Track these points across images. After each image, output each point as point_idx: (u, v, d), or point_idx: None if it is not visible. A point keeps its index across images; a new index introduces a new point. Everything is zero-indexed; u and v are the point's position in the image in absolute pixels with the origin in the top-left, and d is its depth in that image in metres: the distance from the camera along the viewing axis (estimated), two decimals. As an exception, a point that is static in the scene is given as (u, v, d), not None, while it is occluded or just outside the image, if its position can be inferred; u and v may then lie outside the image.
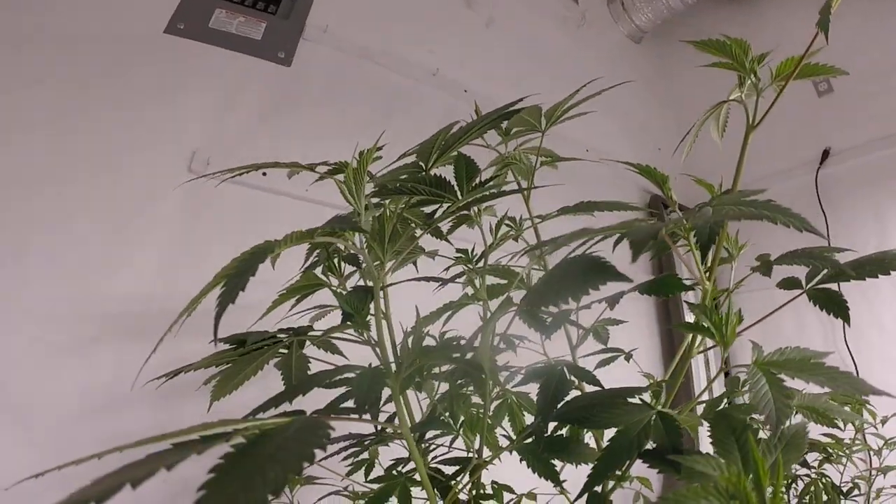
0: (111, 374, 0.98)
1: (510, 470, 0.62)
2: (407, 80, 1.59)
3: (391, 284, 0.57)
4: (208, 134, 1.22)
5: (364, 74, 1.52)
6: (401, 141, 1.46)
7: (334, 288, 0.61)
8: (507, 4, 1.91)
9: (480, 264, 0.65)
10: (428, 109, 1.60)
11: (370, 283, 0.53)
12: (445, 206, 0.55)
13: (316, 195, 1.29)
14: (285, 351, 0.59)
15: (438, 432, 0.59)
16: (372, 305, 0.51)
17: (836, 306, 0.48)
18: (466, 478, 0.55)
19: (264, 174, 1.26)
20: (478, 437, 0.58)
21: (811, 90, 1.88)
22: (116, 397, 0.98)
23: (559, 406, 0.50)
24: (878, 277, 0.46)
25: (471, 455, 0.59)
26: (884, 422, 1.04)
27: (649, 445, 0.43)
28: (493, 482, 0.67)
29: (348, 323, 0.50)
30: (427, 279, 0.65)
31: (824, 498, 0.85)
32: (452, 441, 0.63)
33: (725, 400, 0.61)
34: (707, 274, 0.48)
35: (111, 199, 1.08)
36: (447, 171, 0.58)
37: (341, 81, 1.47)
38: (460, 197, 0.56)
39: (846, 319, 0.47)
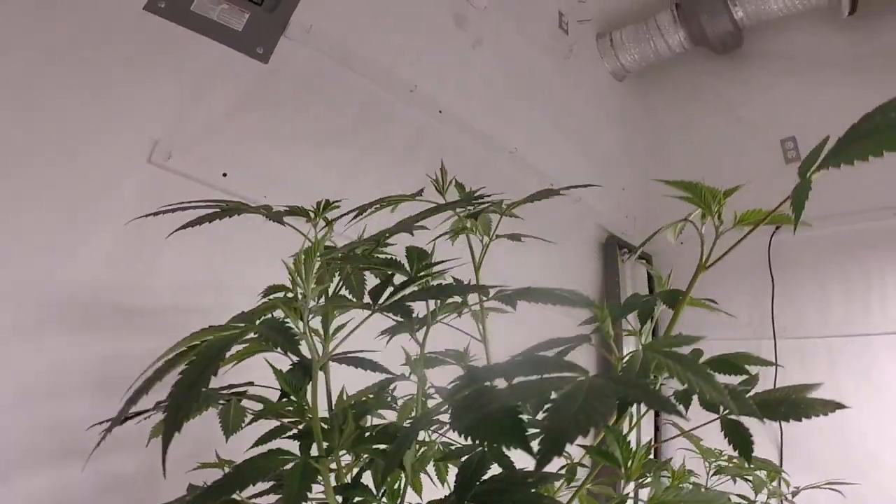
0: (52, 361, 0.96)
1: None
2: (384, 92, 1.57)
3: (335, 356, 0.57)
4: (172, 124, 1.17)
5: (341, 81, 1.49)
6: (369, 156, 1.47)
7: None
8: (496, 28, 1.90)
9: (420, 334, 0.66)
10: (400, 126, 1.60)
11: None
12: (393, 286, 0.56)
13: (273, 200, 1.26)
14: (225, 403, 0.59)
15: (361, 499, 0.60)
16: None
17: (742, 441, 0.51)
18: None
19: (224, 175, 1.22)
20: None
21: (779, 153, 1.97)
22: (56, 386, 0.95)
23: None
24: (788, 421, 0.50)
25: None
26: (795, 493, 1.12)
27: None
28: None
29: (285, 401, 0.50)
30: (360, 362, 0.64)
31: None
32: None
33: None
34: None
35: (65, 183, 1.02)
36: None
37: (316, 86, 1.44)
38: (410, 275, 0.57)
39: (748, 457, 0.50)
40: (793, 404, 0.51)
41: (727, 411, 0.55)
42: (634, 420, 0.67)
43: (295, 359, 0.54)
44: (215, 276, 1.19)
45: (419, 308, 0.70)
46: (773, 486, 1.08)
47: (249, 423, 0.60)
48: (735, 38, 2.05)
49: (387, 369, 0.64)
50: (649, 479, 0.67)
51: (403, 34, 1.65)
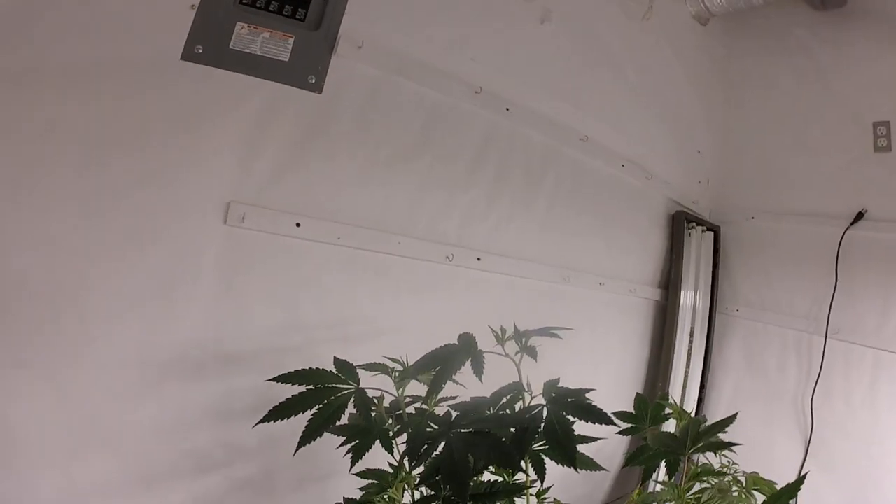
0: (177, 405, 1.14)
1: None
2: (447, 97, 1.47)
3: None
4: (238, 180, 1.17)
5: (399, 95, 1.40)
6: (438, 169, 1.43)
7: None
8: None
9: None
10: (467, 132, 1.52)
11: None
12: None
13: (349, 241, 1.31)
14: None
15: None
16: None
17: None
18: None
19: (298, 224, 1.25)
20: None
21: (869, 137, 1.77)
22: (183, 425, 1.15)
23: None
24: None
25: None
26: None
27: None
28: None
29: None
30: None
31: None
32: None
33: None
34: None
35: (156, 263, 1.09)
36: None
37: (374, 105, 1.36)
38: None
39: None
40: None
41: None
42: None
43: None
44: (296, 317, 1.28)
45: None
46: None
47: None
48: (839, -8, 1.74)
49: None
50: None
51: (457, 20, 1.49)
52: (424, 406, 0.90)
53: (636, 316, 1.95)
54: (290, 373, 0.85)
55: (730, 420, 0.84)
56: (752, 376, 1.98)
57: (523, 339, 0.85)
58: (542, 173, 1.65)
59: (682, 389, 1.96)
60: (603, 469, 0.79)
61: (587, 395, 0.77)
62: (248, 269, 1.20)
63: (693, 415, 1.94)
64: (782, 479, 1.72)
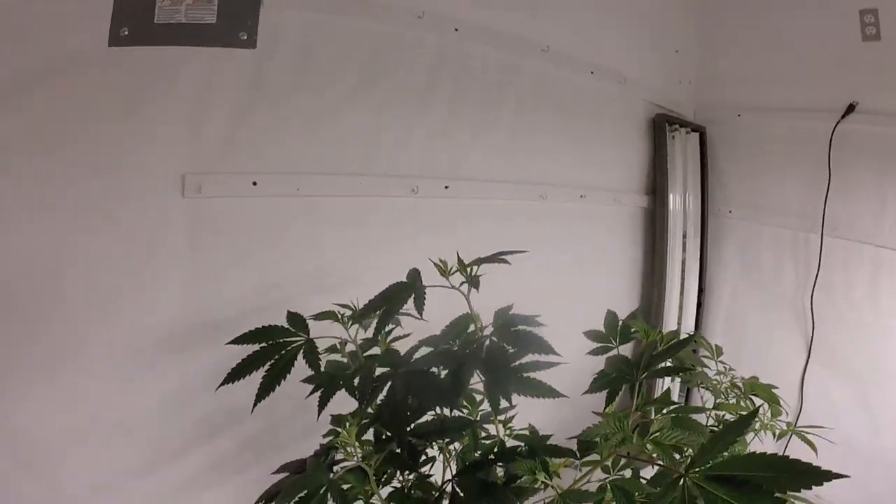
0: (178, 380, 1.20)
1: None
2: (388, 27, 1.39)
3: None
4: (189, 152, 1.15)
5: (337, 34, 1.32)
6: (389, 105, 1.38)
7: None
8: None
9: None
10: (415, 59, 1.45)
11: None
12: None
13: (308, 190, 1.29)
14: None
15: None
16: None
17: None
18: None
19: (255, 183, 1.23)
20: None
21: (856, 26, 1.63)
22: (186, 398, 1.21)
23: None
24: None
25: None
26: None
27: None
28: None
29: None
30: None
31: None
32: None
33: None
34: None
35: (124, 245, 1.10)
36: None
37: (312, 50, 1.29)
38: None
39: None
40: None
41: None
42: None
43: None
44: (269, 274, 1.29)
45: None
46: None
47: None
48: None
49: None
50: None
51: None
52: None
53: (624, 225, 1.92)
54: (243, 334, 0.88)
55: (686, 342, 0.82)
56: (749, 278, 1.96)
57: (469, 270, 0.83)
58: (501, 90, 1.58)
59: (680, 296, 1.95)
60: (562, 396, 0.77)
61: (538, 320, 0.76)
62: (214, 237, 1.20)
63: (694, 321, 1.96)
64: (785, 381, 1.76)
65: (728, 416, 1.24)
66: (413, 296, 0.81)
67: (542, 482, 0.74)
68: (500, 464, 0.78)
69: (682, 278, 1.94)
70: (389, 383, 0.74)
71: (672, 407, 0.79)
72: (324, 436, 0.92)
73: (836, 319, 1.73)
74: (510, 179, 1.59)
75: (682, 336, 1.79)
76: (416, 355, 0.81)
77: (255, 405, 0.82)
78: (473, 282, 0.82)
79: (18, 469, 1.09)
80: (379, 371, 0.80)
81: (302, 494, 0.73)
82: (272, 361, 0.83)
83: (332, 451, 0.82)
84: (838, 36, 1.70)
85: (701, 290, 1.99)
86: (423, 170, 1.44)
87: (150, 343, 1.16)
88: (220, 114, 1.19)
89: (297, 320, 0.89)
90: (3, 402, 1.04)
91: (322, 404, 0.87)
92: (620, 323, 1.00)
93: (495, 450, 0.81)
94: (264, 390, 0.82)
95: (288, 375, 0.84)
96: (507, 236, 1.58)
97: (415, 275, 0.85)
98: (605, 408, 0.83)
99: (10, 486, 1.10)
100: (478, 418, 0.91)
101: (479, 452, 0.82)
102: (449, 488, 0.74)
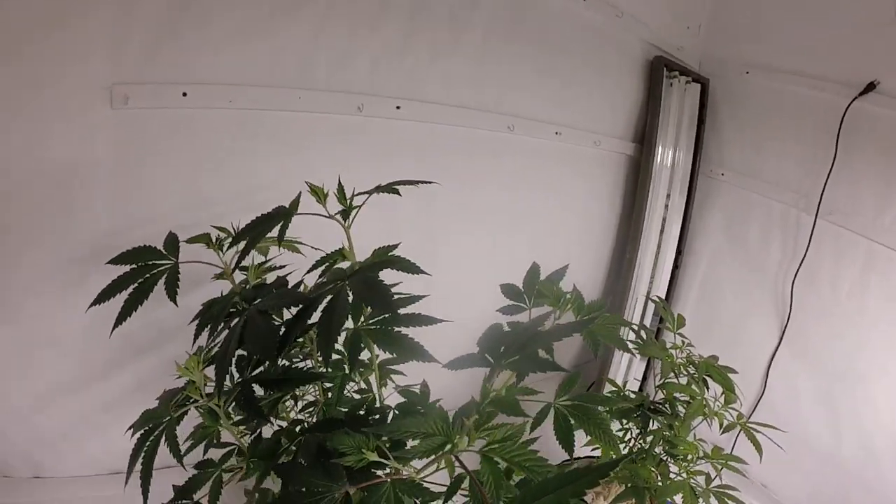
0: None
1: None
2: None
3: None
4: (111, 60, 1.07)
5: None
6: (336, 7, 1.24)
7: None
8: None
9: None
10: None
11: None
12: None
13: (241, 103, 1.21)
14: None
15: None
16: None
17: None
18: None
19: (184, 94, 1.15)
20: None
21: (890, 3, 1.40)
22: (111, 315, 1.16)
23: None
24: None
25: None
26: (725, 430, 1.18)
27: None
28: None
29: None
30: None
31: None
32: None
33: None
34: None
35: (50, 164, 1.07)
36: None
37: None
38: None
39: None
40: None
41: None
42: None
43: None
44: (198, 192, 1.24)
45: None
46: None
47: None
48: None
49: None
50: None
51: None
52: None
53: (603, 172, 1.78)
54: (120, 254, 0.85)
55: (584, 324, 0.72)
56: (732, 247, 1.83)
57: (348, 198, 0.76)
58: (472, 4, 1.41)
59: (655, 255, 1.83)
60: (433, 360, 0.67)
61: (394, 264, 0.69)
62: (143, 151, 1.15)
63: (667, 287, 1.84)
64: (750, 364, 1.68)
65: (678, 397, 1.18)
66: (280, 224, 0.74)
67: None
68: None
69: (660, 239, 1.82)
70: (236, 321, 0.67)
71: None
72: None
73: (816, 309, 1.61)
74: (473, 106, 1.45)
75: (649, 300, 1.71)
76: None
77: (112, 329, 0.80)
78: (345, 212, 0.74)
79: None
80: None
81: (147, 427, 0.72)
82: (135, 285, 0.80)
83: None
84: (869, 9, 1.47)
85: (679, 254, 1.87)
86: (372, 87, 1.32)
87: (78, 259, 1.15)
88: (147, 24, 1.09)
89: (171, 243, 0.86)
90: None
91: (197, 334, 0.84)
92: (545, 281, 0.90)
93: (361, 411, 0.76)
94: (123, 314, 0.80)
95: (145, 301, 0.81)
96: (465, 169, 1.48)
97: (293, 201, 0.78)
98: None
99: None
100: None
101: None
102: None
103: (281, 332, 0.65)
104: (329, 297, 0.64)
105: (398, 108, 1.35)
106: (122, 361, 1.29)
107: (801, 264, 1.62)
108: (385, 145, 1.38)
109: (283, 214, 0.76)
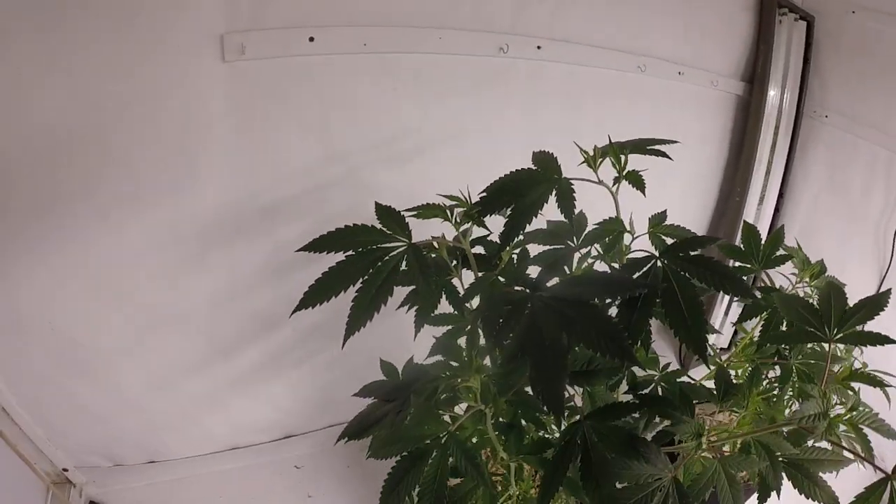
0: (228, 274, 1.12)
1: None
2: None
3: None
4: (228, 11, 0.91)
5: None
6: None
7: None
8: None
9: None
10: None
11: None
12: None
13: (378, 46, 1.06)
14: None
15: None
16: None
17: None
18: None
19: (311, 39, 1.00)
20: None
21: None
22: (239, 289, 1.15)
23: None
24: None
25: None
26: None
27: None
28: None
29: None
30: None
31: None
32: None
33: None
34: None
35: (157, 131, 0.93)
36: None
37: None
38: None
39: None
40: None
41: None
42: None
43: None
44: (331, 145, 1.12)
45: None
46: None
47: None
48: None
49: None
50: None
51: None
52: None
53: (717, 112, 1.68)
54: (321, 238, 0.64)
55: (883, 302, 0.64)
56: (833, 192, 1.75)
57: (623, 158, 0.64)
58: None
59: (760, 199, 1.77)
60: None
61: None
62: (265, 107, 1.01)
63: (768, 229, 1.79)
64: None
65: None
66: (555, 190, 0.63)
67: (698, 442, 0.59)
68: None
69: (766, 181, 1.75)
70: (528, 313, 0.51)
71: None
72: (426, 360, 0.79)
73: None
74: (610, 45, 1.32)
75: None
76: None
77: (346, 338, 0.62)
78: (632, 178, 0.64)
79: (75, 378, 1.06)
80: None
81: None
82: (365, 278, 0.61)
83: (441, 389, 0.66)
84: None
85: (780, 196, 1.80)
86: (516, 25, 1.18)
87: (195, 233, 1.04)
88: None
89: (392, 217, 0.66)
90: (53, 313, 0.98)
91: (419, 326, 0.74)
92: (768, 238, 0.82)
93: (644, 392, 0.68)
94: (359, 317, 0.61)
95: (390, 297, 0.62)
96: (597, 109, 1.39)
97: (550, 162, 0.66)
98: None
99: (69, 394, 1.07)
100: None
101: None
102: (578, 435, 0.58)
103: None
104: (664, 280, 0.55)
105: (539, 48, 1.21)
106: (249, 336, 1.22)
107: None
108: (528, 89, 1.26)
109: (550, 176, 0.64)
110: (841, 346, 0.73)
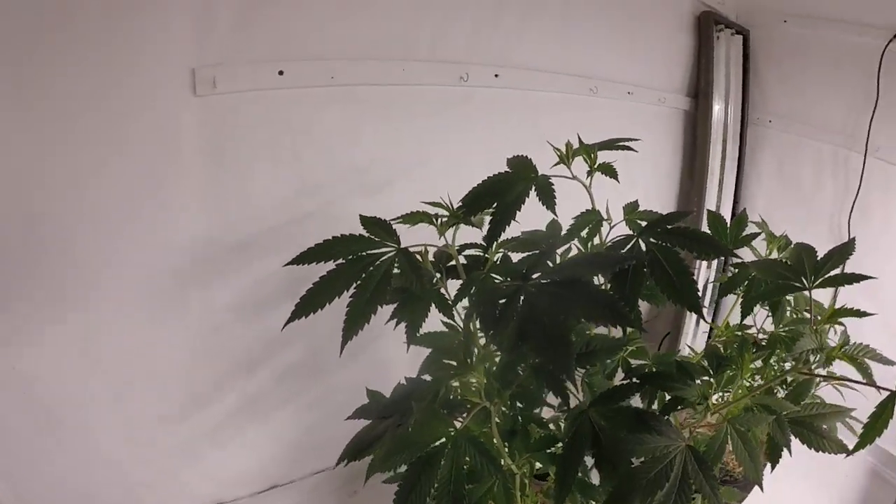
0: (204, 315, 1.07)
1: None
2: None
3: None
4: (194, 41, 0.93)
5: None
6: None
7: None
8: None
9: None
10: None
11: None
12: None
13: (344, 79, 1.09)
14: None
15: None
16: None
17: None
18: None
19: (281, 73, 1.02)
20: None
21: None
22: (216, 331, 1.10)
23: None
24: None
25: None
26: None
27: None
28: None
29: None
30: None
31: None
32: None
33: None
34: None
35: (128, 155, 0.91)
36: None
37: None
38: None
39: None
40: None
41: None
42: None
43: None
44: (302, 178, 1.12)
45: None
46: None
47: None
48: None
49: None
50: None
51: None
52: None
53: (666, 128, 1.78)
54: (309, 250, 0.65)
55: (850, 248, 0.69)
56: (785, 190, 1.87)
57: (591, 155, 0.68)
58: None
59: (717, 205, 1.86)
60: None
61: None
62: (236, 140, 1.02)
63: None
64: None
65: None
66: (534, 187, 0.65)
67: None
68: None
69: (720, 188, 1.85)
70: (522, 298, 0.53)
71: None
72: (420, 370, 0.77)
73: (871, 242, 1.66)
74: (563, 70, 1.40)
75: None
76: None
77: (344, 343, 0.62)
78: (604, 168, 0.67)
79: (45, 437, 0.98)
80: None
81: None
82: (358, 283, 0.62)
83: (442, 390, 0.66)
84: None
85: (735, 202, 1.90)
86: (473, 55, 1.24)
87: (169, 271, 1.01)
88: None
89: (378, 225, 0.67)
90: (21, 372, 0.90)
91: (415, 330, 0.73)
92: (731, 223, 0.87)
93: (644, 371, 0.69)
94: (355, 322, 0.61)
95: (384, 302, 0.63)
96: (554, 130, 1.43)
97: (526, 164, 0.69)
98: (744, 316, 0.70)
99: (40, 455, 0.99)
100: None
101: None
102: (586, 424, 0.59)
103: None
104: (649, 252, 0.57)
105: (496, 76, 1.28)
106: (228, 379, 1.16)
107: (854, 201, 1.67)
108: (488, 111, 1.31)
109: (527, 176, 0.67)
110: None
